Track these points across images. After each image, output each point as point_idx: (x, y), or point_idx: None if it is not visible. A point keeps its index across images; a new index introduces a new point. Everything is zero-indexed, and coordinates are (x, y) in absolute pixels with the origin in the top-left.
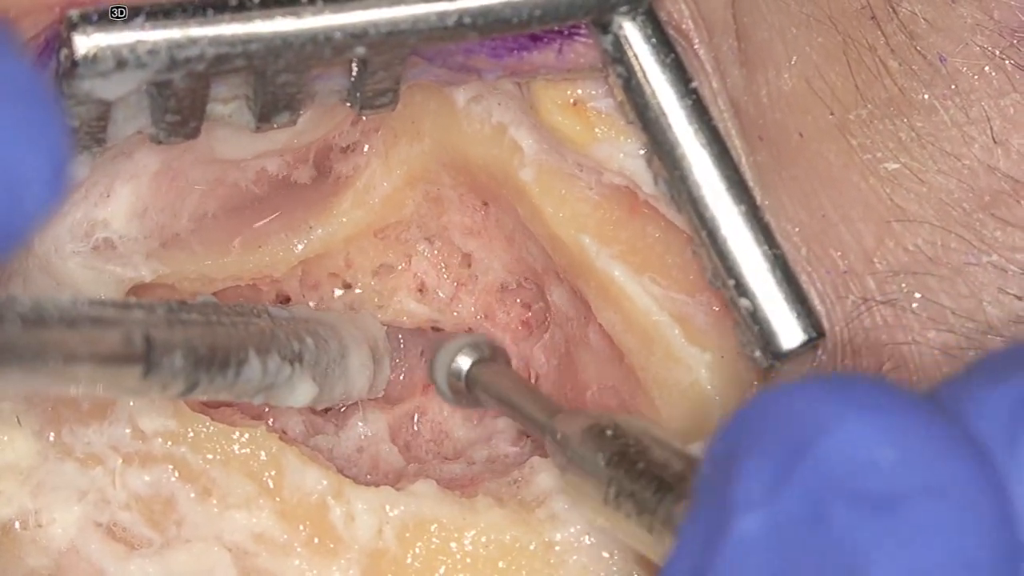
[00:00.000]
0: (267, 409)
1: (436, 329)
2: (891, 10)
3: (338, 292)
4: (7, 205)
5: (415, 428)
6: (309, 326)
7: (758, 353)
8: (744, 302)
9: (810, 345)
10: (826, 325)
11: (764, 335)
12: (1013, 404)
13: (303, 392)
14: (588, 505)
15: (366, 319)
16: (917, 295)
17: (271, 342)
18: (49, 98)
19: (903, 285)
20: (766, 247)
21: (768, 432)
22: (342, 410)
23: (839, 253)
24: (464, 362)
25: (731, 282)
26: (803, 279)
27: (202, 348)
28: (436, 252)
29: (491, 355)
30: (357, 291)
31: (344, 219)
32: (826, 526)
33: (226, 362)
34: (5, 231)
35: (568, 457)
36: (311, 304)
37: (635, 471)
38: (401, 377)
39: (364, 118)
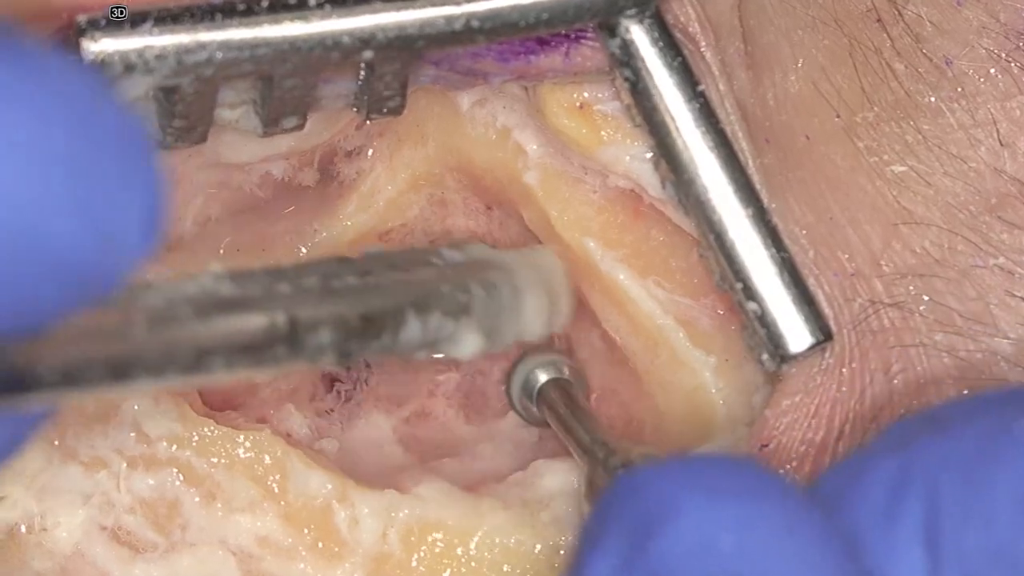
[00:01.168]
0: (272, 412)
1: None
2: (896, 13)
3: None
4: (100, 251)
5: (420, 431)
6: (478, 272)
7: (766, 356)
8: (752, 305)
9: (818, 348)
10: (834, 328)
11: (772, 338)
12: (895, 477)
13: (469, 344)
14: None
15: (544, 256)
16: (924, 297)
17: (432, 298)
18: (142, 140)
19: (910, 288)
20: (774, 250)
21: (617, 516)
22: (346, 402)
23: (846, 256)
24: (540, 377)
25: (739, 285)
26: (811, 282)
27: (353, 320)
28: None
29: (568, 377)
30: None
31: (348, 222)
32: None
33: (381, 329)
34: (99, 276)
35: (586, 489)
36: None
37: None
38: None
39: (369, 122)
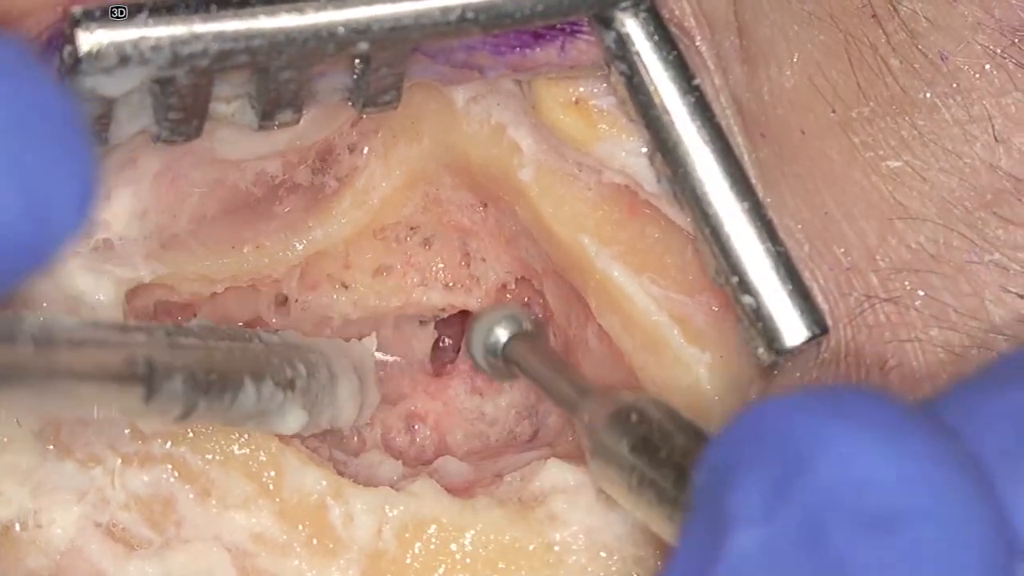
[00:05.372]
0: None
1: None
2: (892, 8)
3: (338, 295)
4: (34, 228)
5: (414, 427)
6: (300, 352)
7: (761, 350)
8: (747, 299)
9: (813, 342)
10: (829, 322)
11: (767, 332)
12: (1015, 416)
13: (294, 419)
14: (614, 491)
15: (355, 347)
16: (920, 293)
17: (266, 368)
18: (78, 120)
19: (906, 283)
20: (769, 244)
21: (766, 445)
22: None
23: (842, 250)
24: (502, 334)
25: (734, 279)
26: (806, 276)
27: (200, 373)
28: (435, 253)
29: (530, 328)
30: (358, 291)
31: (343, 220)
32: (822, 546)
33: (224, 387)
34: (32, 254)
35: (594, 443)
36: (309, 299)
37: (657, 459)
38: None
39: (364, 118)
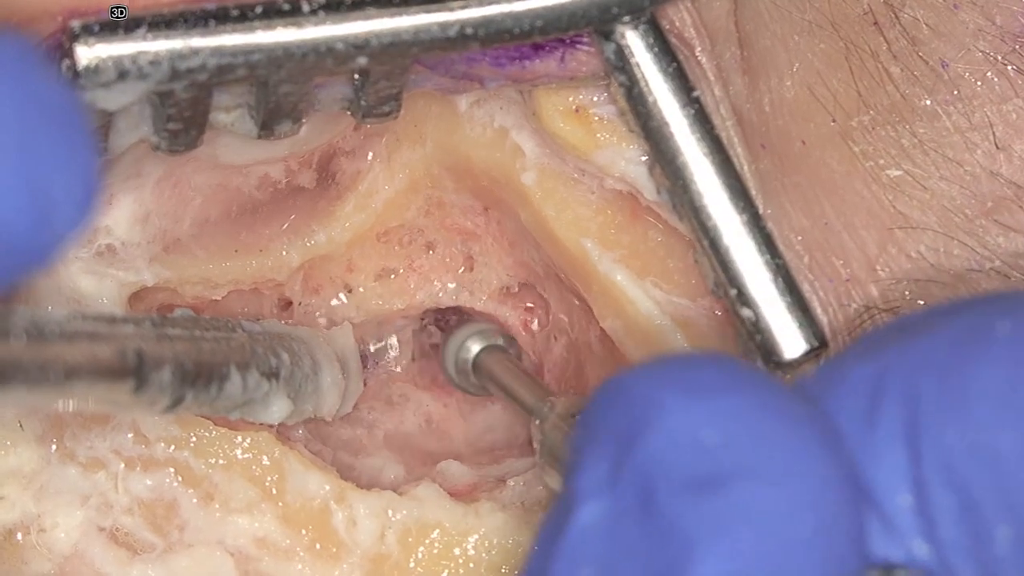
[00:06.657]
0: None
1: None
2: (893, 16)
3: (341, 299)
4: (37, 226)
5: (418, 432)
6: (284, 341)
7: (760, 363)
8: (746, 312)
9: (812, 355)
10: (828, 334)
11: (766, 345)
12: (873, 382)
13: (278, 408)
14: (556, 487)
15: (337, 335)
16: (920, 302)
17: (251, 357)
18: (82, 121)
19: (906, 293)
20: (768, 256)
21: (605, 419)
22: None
23: (841, 261)
24: (473, 349)
25: (733, 291)
26: (805, 288)
27: (188, 363)
28: (438, 256)
29: (501, 343)
30: (361, 294)
31: (347, 223)
32: (654, 512)
33: (210, 378)
34: (34, 251)
35: (540, 443)
36: (310, 303)
37: None
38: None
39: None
